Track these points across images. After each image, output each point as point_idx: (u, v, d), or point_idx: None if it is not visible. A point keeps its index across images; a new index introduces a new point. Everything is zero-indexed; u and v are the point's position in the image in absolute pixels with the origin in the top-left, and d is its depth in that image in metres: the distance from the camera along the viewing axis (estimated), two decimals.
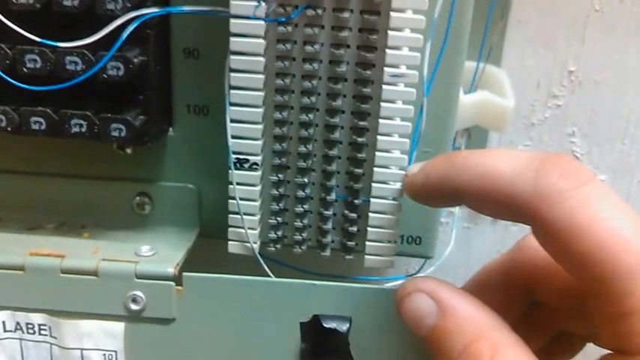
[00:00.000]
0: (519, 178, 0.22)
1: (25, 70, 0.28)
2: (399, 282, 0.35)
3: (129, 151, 0.32)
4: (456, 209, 0.41)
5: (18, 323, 0.31)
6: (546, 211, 0.21)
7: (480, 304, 0.24)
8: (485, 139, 0.41)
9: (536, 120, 0.41)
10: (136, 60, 0.28)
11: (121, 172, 0.33)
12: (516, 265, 0.27)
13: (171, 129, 0.32)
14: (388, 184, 0.28)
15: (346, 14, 0.27)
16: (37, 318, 0.31)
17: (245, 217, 0.29)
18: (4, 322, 0.31)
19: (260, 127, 0.28)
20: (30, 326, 0.31)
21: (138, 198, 0.33)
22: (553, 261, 0.25)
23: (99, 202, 0.34)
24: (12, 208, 0.34)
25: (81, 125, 0.28)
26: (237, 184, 0.29)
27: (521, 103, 0.40)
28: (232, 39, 0.26)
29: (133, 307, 0.30)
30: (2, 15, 0.26)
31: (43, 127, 0.29)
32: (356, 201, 0.30)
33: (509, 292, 0.27)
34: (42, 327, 0.31)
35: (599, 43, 0.40)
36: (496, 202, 0.22)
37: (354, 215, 0.30)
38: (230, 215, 0.30)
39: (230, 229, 0.30)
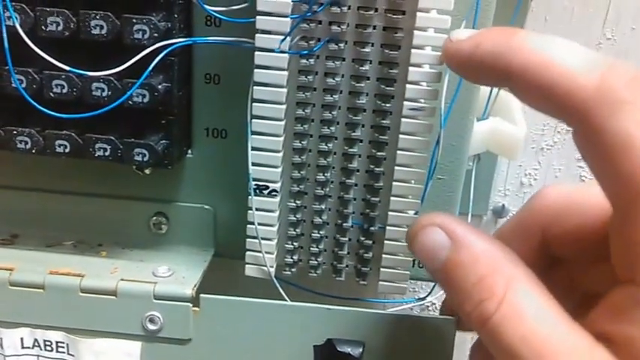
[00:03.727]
0: (582, 75, 0.20)
1: (51, 94, 0.28)
2: (410, 305, 0.36)
3: (147, 171, 0.32)
4: None
5: (36, 340, 0.31)
6: (602, 117, 0.19)
7: (495, 240, 0.23)
8: (495, 163, 0.42)
9: (545, 145, 0.42)
10: (160, 87, 0.28)
11: (138, 191, 0.34)
12: (530, 215, 0.26)
13: (189, 151, 0.33)
14: (404, 212, 0.29)
15: (367, 48, 0.27)
16: (54, 335, 0.31)
17: (263, 241, 0.30)
18: (22, 339, 0.31)
19: (280, 155, 0.29)
20: (48, 343, 0.31)
21: (155, 218, 0.34)
22: (566, 207, 0.24)
23: (116, 220, 0.34)
24: (29, 225, 0.35)
25: (105, 149, 0.29)
26: (257, 209, 0.29)
27: (531, 128, 0.41)
28: (256, 70, 0.27)
29: (151, 327, 0.30)
30: (31, 42, 0.27)
31: (67, 150, 0.29)
32: (371, 228, 0.30)
33: (524, 244, 0.26)
34: (59, 344, 0.31)
35: None
36: (548, 94, 0.20)
37: (369, 242, 0.31)
38: (248, 239, 0.30)
39: (247, 252, 0.30)
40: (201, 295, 0.30)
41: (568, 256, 0.26)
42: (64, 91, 0.28)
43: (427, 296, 0.36)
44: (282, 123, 0.28)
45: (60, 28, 0.27)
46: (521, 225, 0.27)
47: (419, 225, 0.24)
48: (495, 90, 0.37)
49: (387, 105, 0.28)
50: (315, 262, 0.31)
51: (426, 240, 0.23)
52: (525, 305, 0.21)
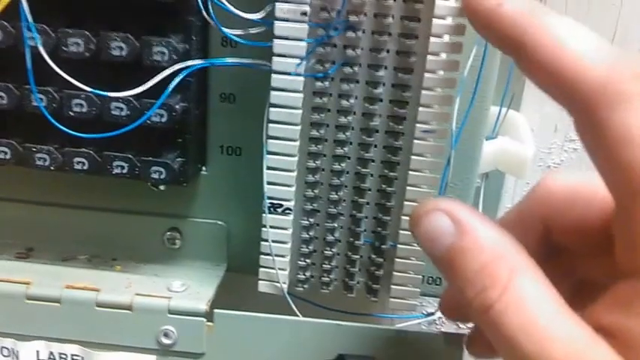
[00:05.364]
0: (590, 65, 0.20)
1: (71, 113, 0.29)
2: (418, 320, 0.37)
3: (162, 187, 0.33)
4: None
5: (51, 353, 0.32)
6: (605, 109, 0.19)
7: (500, 228, 0.22)
8: (502, 181, 0.42)
9: (553, 163, 0.43)
10: (178, 107, 0.29)
11: (153, 207, 0.34)
12: (532, 204, 0.26)
13: (204, 168, 0.33)
14: None
15: (381, 71, 0.28)
16: (70, 349, 0.32)
17: (276, 258, 0.30)
18: (38, 352, 0.32)
19: (294, 174, 0.29)
20: (63, 356, 0.32)
21: (169, 233, 0.35)
22: (569, 198, 0.24)
23: (130, 235, 0.35)
24: (45, 239, 0.35)
25: (122, 167, 0.30)
26: (270, 227, 0.30)
27: (538, 147, 0.41)
28: (273, 92, 0.27)
29: (165, 341, 0.31)
30: (53, 61, 0.28)
31: (86, 167, 0.30)
32: (383, 246, 0.31)
33: (525, 232, 0.25)
34: (74, 357, 0.32)
35: None
36: (555, 78, 0.20)
37: (380, 259, 0.31)
38: (261, 256, 0.31)
39: (261, 269, 0.31)
40: (215, 311, 0.31)
41: (569, 247, 0.26)
42: (84, 109, 0.29)
43: (436, 311, 0.36)
44: (297, 143, 0.29)
45: (80, 49, 0.28)
46: (523, 213, 0.26)
47: (423, 209, 0.23)
48: (504, 109, 0.38)
49: (400, 127, 0.29)
50: (327, 279, 0.32)
51: (430, 225, 0.22)
52: (528, 295, 0.20)
